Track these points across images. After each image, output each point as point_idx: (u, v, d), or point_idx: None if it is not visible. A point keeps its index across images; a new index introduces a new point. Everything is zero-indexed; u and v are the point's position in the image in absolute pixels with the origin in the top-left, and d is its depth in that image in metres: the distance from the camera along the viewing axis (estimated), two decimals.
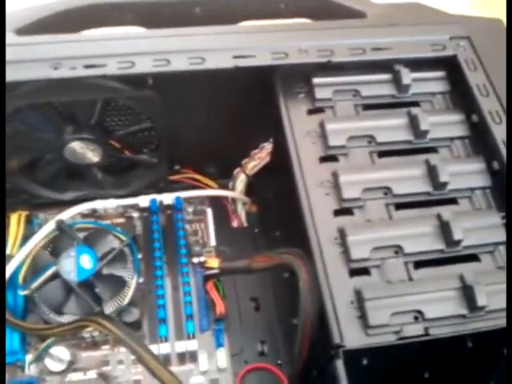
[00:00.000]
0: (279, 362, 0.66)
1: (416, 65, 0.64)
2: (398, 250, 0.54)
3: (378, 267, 0.53)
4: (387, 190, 0.57)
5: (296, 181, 0.57)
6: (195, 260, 0.69)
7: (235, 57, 0.61)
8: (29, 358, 0.63)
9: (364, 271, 0.53)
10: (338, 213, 0.56)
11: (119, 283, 0.64)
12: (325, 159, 0.59)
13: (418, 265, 0.54)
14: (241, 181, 0.75)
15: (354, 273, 0.52)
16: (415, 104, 0.63)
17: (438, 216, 0.55)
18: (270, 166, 0.74)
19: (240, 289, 0.71)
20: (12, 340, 0.62)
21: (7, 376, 0.63)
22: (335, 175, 0.57)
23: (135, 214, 0.72)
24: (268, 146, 0.74)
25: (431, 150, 0.61)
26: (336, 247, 0.53)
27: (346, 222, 0.55)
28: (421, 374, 0.53)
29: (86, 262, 0.63)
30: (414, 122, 0.60)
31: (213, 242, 0.72)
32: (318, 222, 0.54)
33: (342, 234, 0.53)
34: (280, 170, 0.64)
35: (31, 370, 0.63)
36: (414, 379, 0.54)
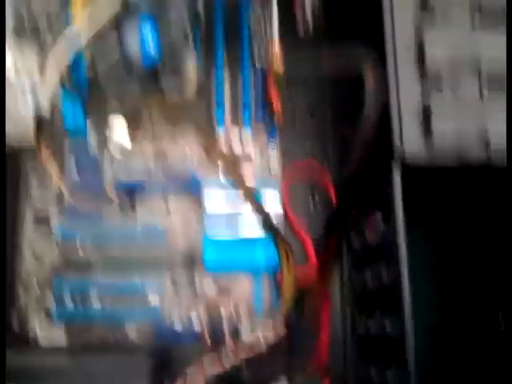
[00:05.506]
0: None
1: None
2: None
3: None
4: None
5: None
6: (258, 65, 0.67)
7: None
8: None
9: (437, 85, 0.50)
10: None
11: None
12: None
13: (493, 86, 0.51)
14: None
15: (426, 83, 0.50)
16: None
17: None
18: None
19: (297, 94, 0.69)
20: None
21: None
22: None
23: None
24: None
25: None
26: (411, 54, 0.50)
27: (424, 17, 0.51)
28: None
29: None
30: None
31: (276, 48, 0.67)
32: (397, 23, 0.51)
33: (419, 35, 0.50)
34: None
35: None
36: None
